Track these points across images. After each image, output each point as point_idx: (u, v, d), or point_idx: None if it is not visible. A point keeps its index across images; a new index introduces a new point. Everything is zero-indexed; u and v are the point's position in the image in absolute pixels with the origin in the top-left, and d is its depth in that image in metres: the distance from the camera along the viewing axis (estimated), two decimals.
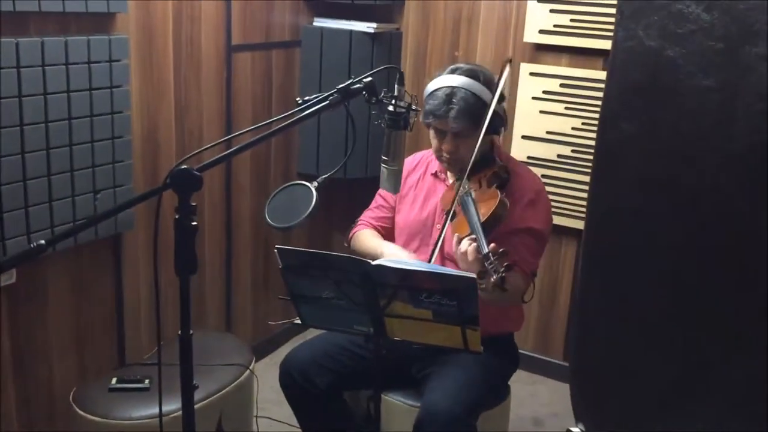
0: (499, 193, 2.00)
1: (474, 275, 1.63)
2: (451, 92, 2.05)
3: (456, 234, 1.95)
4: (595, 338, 2.00)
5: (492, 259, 1.76)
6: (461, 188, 2.01)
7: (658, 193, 1.83)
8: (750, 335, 1.76)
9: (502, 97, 2.11)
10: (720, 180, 1.75)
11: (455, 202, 2.01)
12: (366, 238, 2.33)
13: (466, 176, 2.03)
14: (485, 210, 1.94)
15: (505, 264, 1.75)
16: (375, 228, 2.37)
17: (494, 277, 1.73)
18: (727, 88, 1.70)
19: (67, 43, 2.20)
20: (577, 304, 2.05)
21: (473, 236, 1.87)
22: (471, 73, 2.08)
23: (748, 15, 1.63)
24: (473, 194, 2.01)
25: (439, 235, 2.03)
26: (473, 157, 2.03)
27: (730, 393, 1.81)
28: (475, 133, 2.06)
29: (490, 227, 1.91)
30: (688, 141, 1.78)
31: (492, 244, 1.79)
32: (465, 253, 1.85)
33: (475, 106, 2.04)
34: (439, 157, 2.18)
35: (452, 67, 2.13)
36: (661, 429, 1.86)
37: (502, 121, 2.14)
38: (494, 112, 2.06)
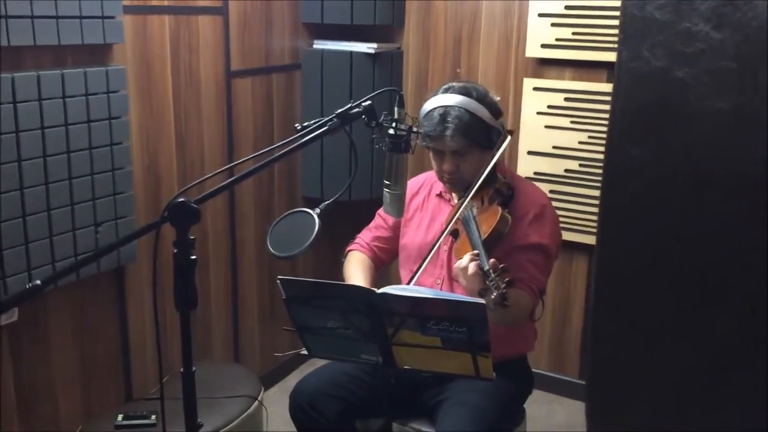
0: (500, 209, 1.97)
1: (483, 301, 1.58)
2: (445, 111, 2.03)
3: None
4: (609, 349, 1.97)
5: (492, 275, 1.72)
6: (463, 207, 1.98)
7: (667, 218, 1.78)
8: (747, 349, 1.73)
9: (498, 113, 2.09)
10: (736, 206, 1.68)
11: (454, 220, 1.98)
12: (350, 263, 2.30)
13: (470, 195, 2.00)
14: (486, 227, 1.92)
15: (506, 280, 1.71)
16: (370, 250, 2.34)
17: (495, 294, 1.69)
18: (742, 111, 1.60)
19: (64, 75, 2.18)
20: (590, 320, 2.01)
21: (476, 253, 1.83)
22: (463, 91, 2.07)
23: (762, 33, 1.53)
24: (474, 212, 1.98)
25: (429, 251, 2.01)
26: (482, 177, 2.00)
27: (742, 397, 1.77)
28: (473, 150, 2.05)
29: (492, 244, 1.88)
30: (701, 166, 1.70)
31: (492, 260, 1.76)
32: (465, 269, 1.81)
33: (470, 123, 2.02)
34: (440, 178, 2.16)
35: (445, 86, 2.11)
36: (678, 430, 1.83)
37: (501, 135, 2.10)
38: (492, 127, 2.05)
